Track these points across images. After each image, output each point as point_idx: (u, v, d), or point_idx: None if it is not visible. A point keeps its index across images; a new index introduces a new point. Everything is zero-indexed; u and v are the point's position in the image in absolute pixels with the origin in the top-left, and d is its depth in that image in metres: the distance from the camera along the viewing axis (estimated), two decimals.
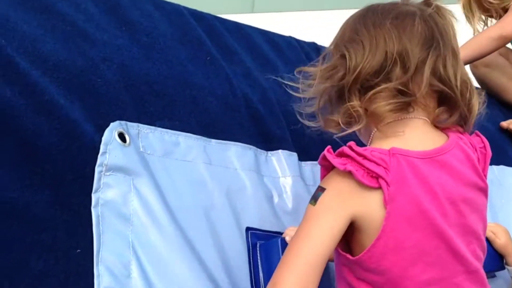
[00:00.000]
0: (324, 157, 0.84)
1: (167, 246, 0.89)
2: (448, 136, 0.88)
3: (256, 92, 1.23)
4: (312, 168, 1.20)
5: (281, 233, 1.05)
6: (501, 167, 1.44)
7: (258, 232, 1.03)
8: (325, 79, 0.90)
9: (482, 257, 0.87)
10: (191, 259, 0.91)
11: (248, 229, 1.03)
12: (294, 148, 1.19)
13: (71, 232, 0.84)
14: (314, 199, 0.83)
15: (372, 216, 0.80)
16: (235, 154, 1.11)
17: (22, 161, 0.83)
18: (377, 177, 0.80)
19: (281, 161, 1.15)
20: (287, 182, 1.15)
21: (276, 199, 1.11)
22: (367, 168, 0.79)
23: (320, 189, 0.83)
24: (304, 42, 1.52)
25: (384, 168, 0.79)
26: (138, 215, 0.89)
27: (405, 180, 0.80)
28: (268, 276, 0.97)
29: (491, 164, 1.43)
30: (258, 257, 1.00)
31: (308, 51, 1.49)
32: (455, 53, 0.88)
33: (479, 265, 0.86)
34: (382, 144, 0.85)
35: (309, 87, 0.93)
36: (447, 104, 0.87)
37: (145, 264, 0.86)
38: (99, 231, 0.85)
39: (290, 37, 1.50)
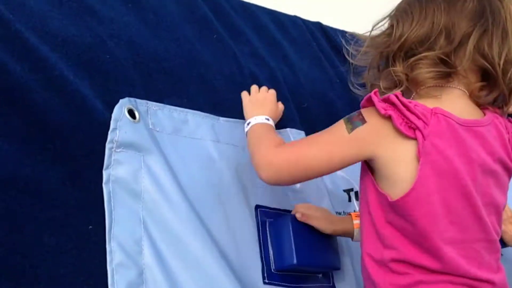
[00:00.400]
0: (369, 99, 0.85)
1: (178, 222, 0.89)
2: (484, 114, 0.90)
3: (263, 72, 1.22)
4: None
5: (289, 211, 1.05)
6: None
7: (267, 210, 1.04)
8: (373, 47, 0.94)
9: (499, 231, 0.89)
10: (203, 236, 0.91)
11: (257, 207, 1.03)
12: (301, 127, 1.19)
13: (82, 208, 0.83)
14: (352, 125, 0.85)
15: (404, 165, 0.82)
16: (243, 133, 1.10)
17: (33, 137, 0.82)
18: (414, 128, 0.82)
19: (289, 140, 1.14)
20: None
21: None
22: (407, 118, 0.82)
23: (361, 119, 0.84)
24: (309, 21, 1.51)
25: (424, 122, 0.82)
26: (149, 192, 0.89)
27: (443, 137, 0.82)
28: (278, 253, 0.98)
29: None
30: (268, 235, 1.00)
31: (313, 31, 1.48)
32: (505, 34, 0.88)
33: (497, 238, 0.87)
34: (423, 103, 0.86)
35: (360, 54, 0.97)
36: (488, 81, 0.89)
37: (157, 241, 0.86)
38: (111, 208, 0.85)
39: (295, 16, 1.49)
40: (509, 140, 0.90)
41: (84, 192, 0.84)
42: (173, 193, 0.91)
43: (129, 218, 0.86)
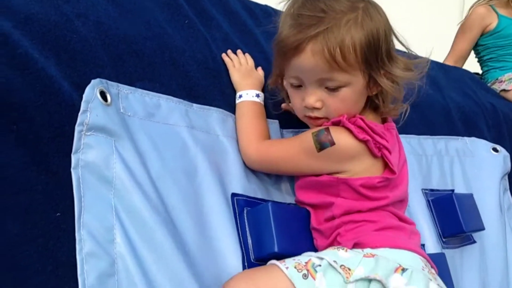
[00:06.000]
0: (339, 123, 0.94)
1: (151, 211, 0.84)
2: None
3: None
4: (293, 135, 1.17)
5: (265, 200, 1.02)
6: (473, 138, 1.47)
7: (244, 198, 1.00)
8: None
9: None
10: (175, 226, 0.86)
11: (233, 195, 0.99)
12: (275, 116, 1.16)
13: (49, 194, 0.77)
14: (320, 145, 0.92)
15: (369, 173, 0.95)
16: (217, 120, 1.06)
17: None
18: (380, 148, 0.94)
19: None
20: None
21: None
22: (374, 139, 0.93)
23: (330, 141, 0.92)
24: (280, 11, 1.48)
25: (386, 140, 0.94)
26: (121, 179, 0.83)
27: (394, 149, 0.99)
28: (257, 241, 0.95)
29: (463, 136, 1.47)
30: (246, 223, 0.97)
31: None
32: None
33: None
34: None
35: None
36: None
37: (129, 229, 0.81)
38: (80, 194, 0.79)
39: (266, 5, 1.46)
40: None
41: (51, 177, 0.78)
42: (144, 181, 0.86)
43: (100, 205, 0.80)
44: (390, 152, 0.94)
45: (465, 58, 2.10)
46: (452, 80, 1.70)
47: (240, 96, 1.09)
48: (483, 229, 1.24)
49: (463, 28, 2.06)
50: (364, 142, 0.92)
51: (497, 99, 1.74)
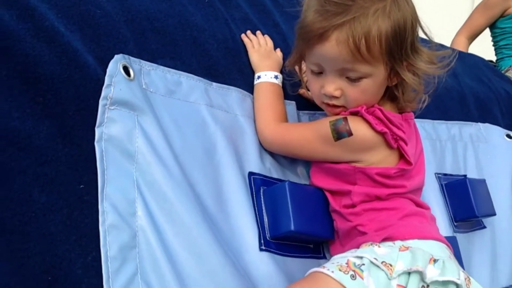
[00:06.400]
0: (357, 113, 0.93)
1: (172, 186, 0.85)
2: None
3: None
4: (309, 117, 1.17)
5: (282, 180, 1.03)
6: (487, 125, 1.47)
7: (261, 177, 1.01)
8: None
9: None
10: (195, 202, 0.87)
11: (250, 174, 1.00)
12: (292, 97, 1.17)
13: (73, 166, 0.79)
14: (337, 135, 0.91)
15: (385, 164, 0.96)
16: (236, 100, 1.07)
17: (22, 88, 0.77)
18: (397, 139, 0.94)
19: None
20: None
21: None
22: (392, 131, 0.93)
23: (348, 131, 0.92)
24: None
25: (402, 131, 0.95)
26: (143, 153, 0.85)
27: (411, 139, 1.00)
28: (273, 220, 0.96)
29: (477, 122, 1.47)
30: (262, 202, 0.98)
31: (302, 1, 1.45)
32: None
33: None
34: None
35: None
36: None
37: (151, 203, 0.83)
38: (103, 167, 0.81)
39: None
40: None
41: (75, 149, 0.80)
42: (166, 156, 0.87)
43: (123, 178, 0.82)
44: (406, 144, 0.94)
45: (478, 34, 2.08)
46: (467, 66, 1.69)
47: (259, 77, 1.10)
48: (494, 214, 1.26)
49: (485, 4, 2.03)
50: (382, 134, 0.92)
51: (510, 86, 1.74)
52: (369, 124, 0.92)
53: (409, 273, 0.84)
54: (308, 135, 0.99)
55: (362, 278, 0.82)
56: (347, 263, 0.85)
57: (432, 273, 0.84)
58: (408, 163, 0.95)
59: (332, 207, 1.01)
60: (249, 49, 1.14)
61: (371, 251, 0.87)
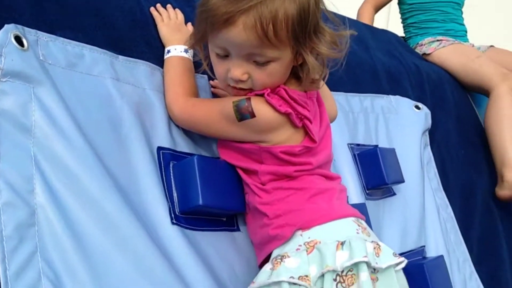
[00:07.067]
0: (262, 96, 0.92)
1: (75, 160, 0.82)
2: None
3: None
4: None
5: (192, 154, 1.02)
6: (397, 97, 1.52)
7: (170, 152, 0.99)
8: None
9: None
10: (101, 174, 0.85)
11: (159, 148, 0.98)
12: (205, 71, 1.15)
13: None
14: (240, 116, 0.92)
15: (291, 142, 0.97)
16: (144, 73, 1.04)
17: None
18: (302, 118, 0.94)
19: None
20: None
21: None
22: (296, 110, 0.93)
23: (250, 113, 0.91)
24: None
25: (307, 110, 0.95)
26: (41, 127, 0.81)
27: (315, 117, 1.01)
28: (183, 194, 0.95)
29: (388, 94, 1.52)
30: (172, 177, 0.96)
31: None
32: None
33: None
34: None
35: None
36: None
37: (51, 178, 0.80)
38: None
39: None
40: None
41: None
42: (68, 129, 0.83)
43: (18, 154, 0.78)
44: (311, 122, 0.95)
45: (383, 5, 2.10)
46: (379, 41, 1.74)
47: (168, 52, 1.08)
48: (403, 181, 1.31)
49: None
50: (286, 114, 0.92)
51: (420, 61, 1.81)
52: (273, 106, 0.91)
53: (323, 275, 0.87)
54: (213, 115, 0.98)
55: None
56: None
57: (341, 259, 0.87)
58: (313, 141, 0.96)
59: (244, 180, 1.01)
60: (158, 22, 1.12)
61: (284, 270, 0.87)
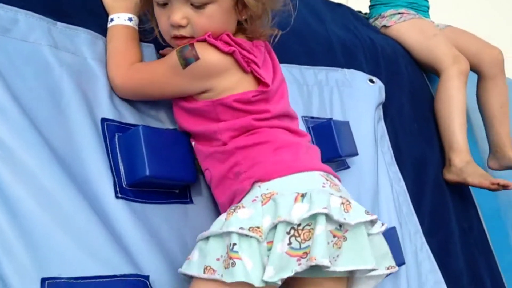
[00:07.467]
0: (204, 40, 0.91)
1: (9, 132, 0.78)
2: None
3: None
4: None
5: (137, 125, 0.98)
6: (352, 70, 1.51)
7: (115, 123, 0.95)
8: None
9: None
10: (39, 146, 0.81)
11: (104, 120, 0.94)
12: (151, 40, 1.10)
13: None
14: (185, 61, 0.90)
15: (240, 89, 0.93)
16: (85, 42, 0.99)
17: None
18: (249, 62, 0.93)
19: None
20: None
21: None
22: (242, 54, 0.92)
23: (194, 55, 0.90)
24: None
25: (254, 55, 0.94)
26: None
27: (264, 65, 0.98)
28: (129, 166, 0.91)
29: (343, 67, 1.51)
30: (118, 149, 0.92)
31: None
32: None
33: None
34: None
35: None
36: None
37: None
38: None
39: None
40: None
41: None
42: (1, 97, 0.78)
43: None
44: (259, 67, 0.94)
45: None
46: (335, 15, 1.72)
47: (112, 20, 1.03)
48: (357, 154, 1.30)
49: None
50: (230, 54, 0.91)
51: (375, 34, 1.80)
52: (216, 47, 0.90)
53: (275, 226, 0.83)
54: (158, 70, 0.96)
55: (240, 259, 0.81)
56: (227, 253, 0.82)
57: (300, 211, 0.82)
58: (265, 84, 0.94)
59: (204, 153, 0.97)
60: None
61: (236, 221, 0.84)
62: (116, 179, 0.90)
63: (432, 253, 1.48)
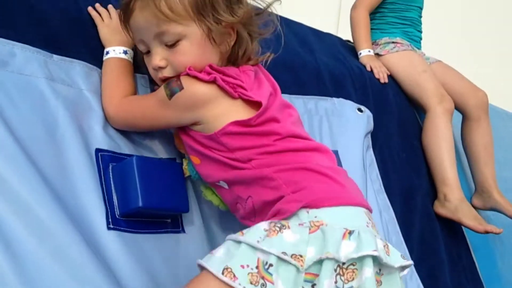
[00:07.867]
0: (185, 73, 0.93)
1: (5, 162, 0.79)
2: None
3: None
4: None
5: (131, 155, 0.99)
6: (340, 99, 1.54)
7: (109, 154, 0.96)
8: None
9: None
10: (33, 178, 0.82)
11: (98, 150, 0.95)
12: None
13: None
14: (170, 91, 0.92)
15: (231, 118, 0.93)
16: (80, 74, 1.01)
17: None
18: (235, 87, 0.93)
19: None
20: None
21: None
22: (227, 81, 0.92)
23: (179, 85, 0.92)
24: None
25: (240, 80, 0.94)
26: None
27: (253, 88, 0.98)
28: (122, 196, 0.92)
29: (332, 96, 1.54)
30: (111, 179, 0.94)
31: None
32: None
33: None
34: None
35: None
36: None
37: None
38: None
39: None
40: None
41: None
42: None
43: None
44: (247, 90, 0.93)
45: (376, 5, 1.98)
46: (324, 45, 1.76)
47: (107, 53, 1.05)
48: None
49: None
50: (214, 82, 0.91)
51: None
52: (198, 78, 0.92)
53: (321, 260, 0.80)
54: (148, 103, 0.98)
55: (272, 283, 0.78)
56: (257, 267, 0.79)
57: (348, 249, 0.80)
58: (257, 104, 0.92)
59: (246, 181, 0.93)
60: (98, 23, 1.08)
61: (278, 242, 0.80)
62: (109, 210, 0.91)
63: (422, 282, 1.50)
